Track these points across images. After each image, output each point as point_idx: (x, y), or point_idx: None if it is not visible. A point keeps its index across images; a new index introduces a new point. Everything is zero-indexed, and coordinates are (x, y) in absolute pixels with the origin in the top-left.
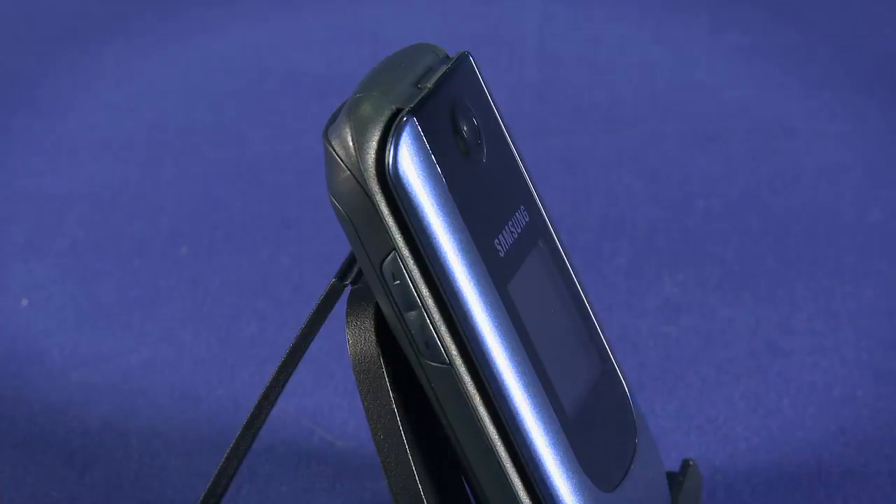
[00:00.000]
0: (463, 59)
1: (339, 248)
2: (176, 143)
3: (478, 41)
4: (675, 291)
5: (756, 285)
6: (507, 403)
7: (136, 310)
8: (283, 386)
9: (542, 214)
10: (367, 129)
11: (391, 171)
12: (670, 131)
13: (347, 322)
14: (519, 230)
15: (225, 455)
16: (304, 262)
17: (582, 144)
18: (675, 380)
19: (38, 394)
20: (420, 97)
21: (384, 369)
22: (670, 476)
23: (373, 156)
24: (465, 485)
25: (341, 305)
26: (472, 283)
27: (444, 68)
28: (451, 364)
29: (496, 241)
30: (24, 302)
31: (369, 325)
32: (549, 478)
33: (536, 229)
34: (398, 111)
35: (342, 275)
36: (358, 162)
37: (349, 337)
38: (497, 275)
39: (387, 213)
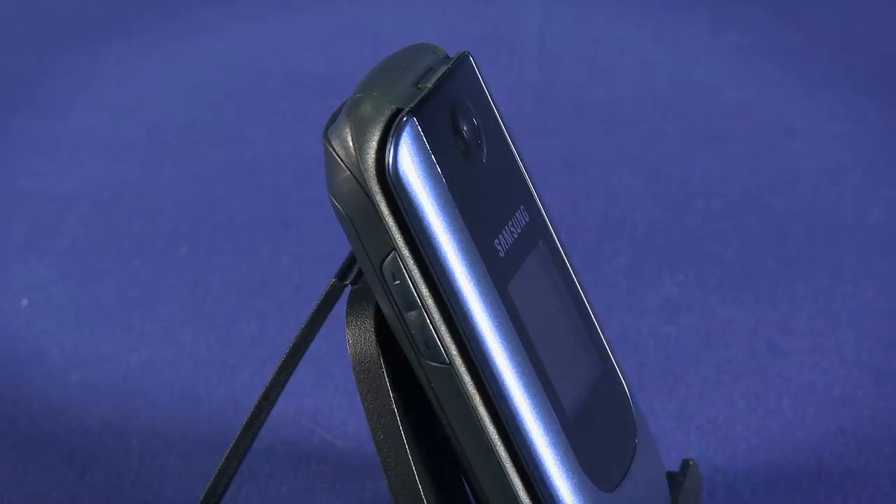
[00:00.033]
0: (463, 59)
1: (339, 248)
2: (176, 143)
3: (478, 41)
4: (675, 291)
5: (756, 285)
6: (507, 403)
7: (136, 310)
8: (283, 386)
9: (542, 214)
10: (367, 129)
11: (391, 171)
12: (670, 131)
13: (347, 322)
14: (519, 230)
15: (225, 455)
16: (304, 262)
17: (582, 144)
18: (675, 380)
19: (38, 394)
20: (420, 97)
21: (384, 369)
22: (670, 476)
23: (373, 156)
24: (465, 485)
25: (341, 305)
26: (472, 283)
27: (444, 68)
28: (451, 364)
29: (496, 241)
30: (24, 302)
31: (369, 325)
32: (549, 478)
33: (536, 229)
34: (398, 111)
35: (342, 275)
36: (358, 162)
37: (349, 337)
38: (497, 275)
39: (387, 213)
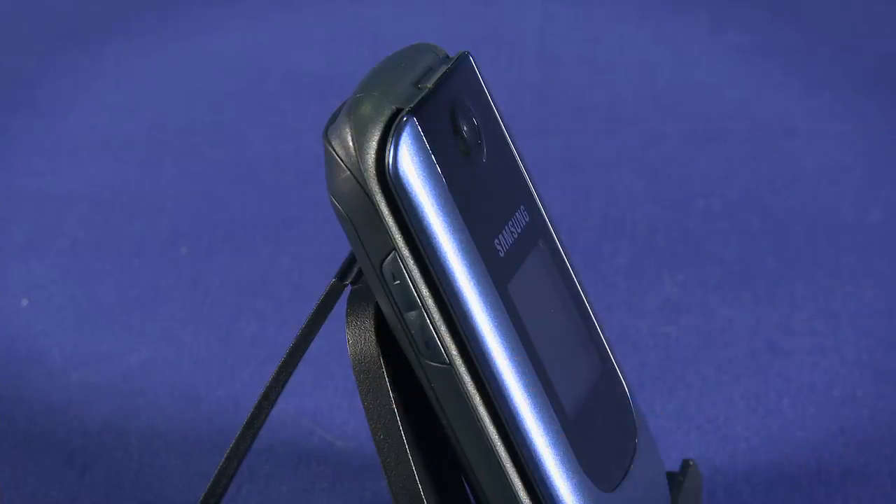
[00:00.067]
0: (463, 59)
1: (339, 248)
2: (176, 143)
3: (478, 41)
4: (675, 291)
5: (756, 285)
6: (507, 403)
7: (136, 310)
8: (283, 386)
9: (542, 214)
10: (367, 129)
11: (391, 171)
12: (670, 131)
13: (347, 322)
14: (519, 230)
15: (225, 455)
16: (304, 262)
17: (582, 144)
18: (675, 380)
19: (38, 394)
20: (420, 97)
21: (384, 369)
22: (670, 476)
23: (373, 156)
24: (465, 485)
25: (341, 305)
26: (472, 283)
27: (444, 68)
28: (451, 364)
29: (496, 241)
30: (24, 302)
31: (369, 325)
32: (549, 478)
33: (536, 229)
34: (398, 111)
35: (342, 275)
36: (358, 162)
37: (349, 337)
38: (497, 275)
39: (387, 213)
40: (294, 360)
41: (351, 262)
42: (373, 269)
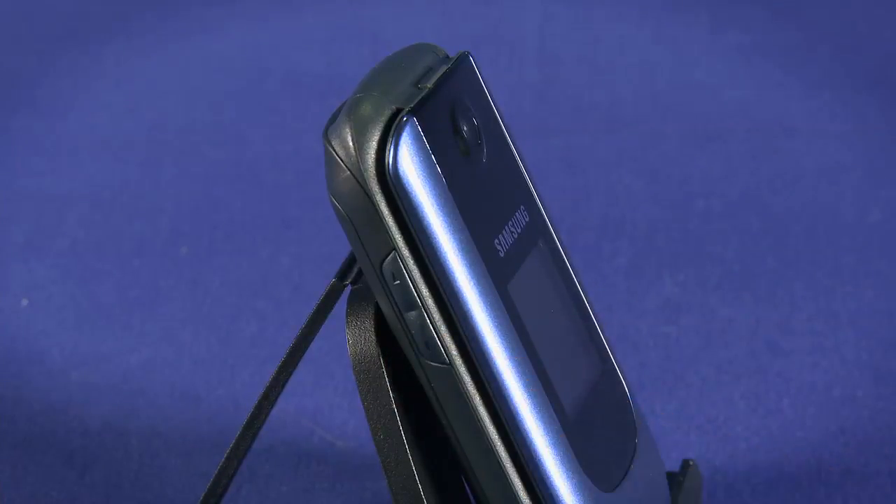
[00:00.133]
0: (463, 59)
1: (339, 248)
2: (176, 143)
3: (478, 41)
4: (675, 291)
5: (756, 285)
6: (507, 403)
7: (136, 310)
8: (283, 386)
9: (542, 214)
10: (367, 129)
11: (391, 171)
12: (670, 131)
13: (347, 322)
14: (519, 230)
15: (225, 455)
16: (304, 262)
17: (582, 144)
18: (675, 380)
19: (38, 394)
20: (420, 97)
21: (384, 369)
22: (670, 476)
23: (373, 156)
24: (465, 485)
25: (341, 305)
26: (472, 283)
27: (444, 68)
28: (451, 364)
29: (496, 241)
30: (24, 302)
31: (369, 325)
32: (549, 478)
33: (536, 229)
34: (398, 111)
35: (342, 275)
36: (358, 162)
37: (349, 337)
38: (497, 275)
39: (387, 213)
40: (294, 360)
41: (351, 262)
42: (373, 269)
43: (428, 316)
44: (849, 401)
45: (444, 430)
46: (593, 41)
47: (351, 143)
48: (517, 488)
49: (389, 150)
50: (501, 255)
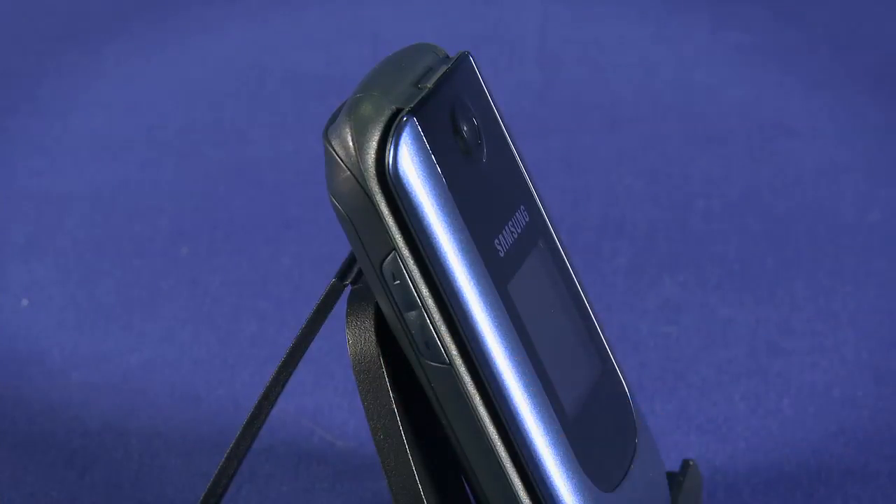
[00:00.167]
0: (463, 59)
1: (339, 248)
2: (176, 143)
3: (478, 41)
4: (675, 291)
5: (756, 285)
6: (507, 403)
7: (136, 310)
8: (283, 386)
9: (542, 214)
10: (367, 129)
11: (391, 171)
12: (670, 131)
13: (347, 322)
14: (519, 230)
15: (225, 455)
16: (304, 262)
17: (582, 144)
18: (675, 380)
19: (38, 394)
20: (420, 97)
21: (384, 369)
22: (670, 476)
23: (373, 156)
24: (465, 485)
25: (341, 305)
26: (472, 283)
27: (444, 68)
28: (451, 364)
29: (496, 241)
30: (24, 302)
31: (369, 325)
32: (549, 478)
33: (536, 229)
34: (398, 111)
35: (342, 275)
36: (358, 162)
37: (349, 337)
38: (497, 275)
39: (387, 213)
40: (294, 360)
41: (351, 262)
42: (373, 269)
43: (428, 316)
44: (849, 401)
45: (444, 431)
46: (593, 41)
47: (351, 143)
48: (517, 488)
49: (389, 150)
50: (501, 255)
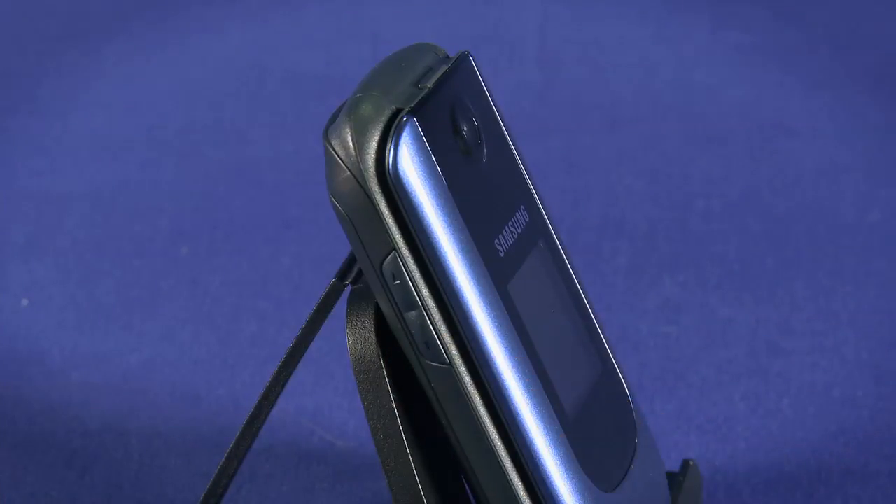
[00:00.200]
0: (463, 59)
1: (339, 248)
2: (176, 143)
3: (478, 41)
4: (675, 291)
5: (756, 285)
6: (508, 404)
7: (136, 310)
8: (283, 386)
9: (542, 214)
10: (367, 129)
11: (391, 171)
12: (670, 131)
13: (347, 322)
14: (519, 230)
15: (225, 455)
16: (304, 262)
17: (582, 144)
18: (675, 380)
19: (38, 394)
20: (420, 97)
21: (384, 369)
22: (670, 476)
23: (373, 156)
24: (466, 485)
25: (341, 305)
26: (472, 283)
27: (444, 68)
28: (451, 364)
29: (496, 241)
30: (24, 302)
31: (369, 325)
32: (549, 478)
33: (536, 229)
34: (398, 111)
35: (342, 275)
36: (358, 162)
37: (349, 337)
38: (497, 275)
39: (387, 213)
40: (294, 360)
41: (351, 262)
42: (373, 269)
43: (428, 316)
44: (849, 401)
45: (444, 431)
46: (593, 41)
47: (351, 143)
48: (517, 488)
49: (389, 150)
50: (501, 255)
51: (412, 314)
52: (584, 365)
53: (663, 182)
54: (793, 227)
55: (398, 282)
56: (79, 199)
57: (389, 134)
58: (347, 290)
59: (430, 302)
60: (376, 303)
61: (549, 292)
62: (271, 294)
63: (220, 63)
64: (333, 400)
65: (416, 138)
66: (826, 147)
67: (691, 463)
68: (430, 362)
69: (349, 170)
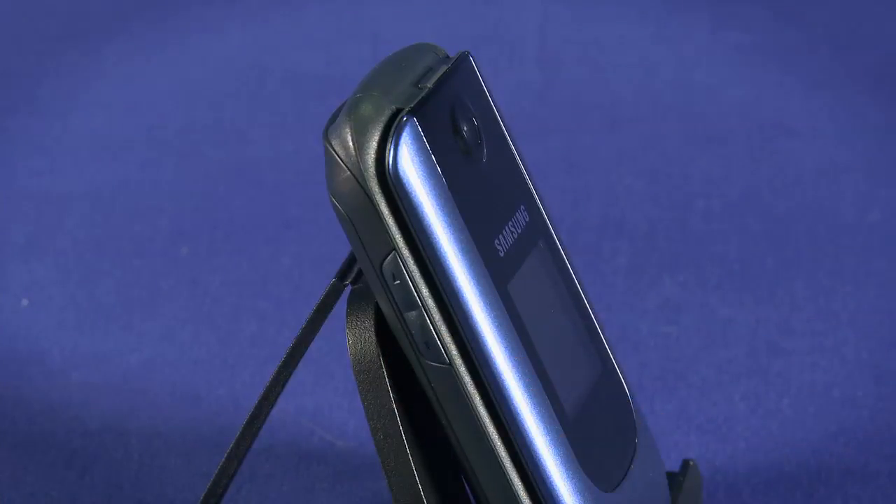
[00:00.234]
0: (463, 59)
1: (339, 248)
2: (176, 143)
3: (478, 41)
4: (675, 291)
5: (756, 285)
6: (508, 404)
7: (136, 310)
8: (283, 386)
9: (542, 214)
10: (367, 129)
11: (391, 171)
12: (670, 131)
13: (347, 322)
14: (519, 230)
15: (225, 455)
16: (304, 262)
17: (582, 144)
18: (675, 380)
19: (38, 394)
20: (420, 97)
21: (384, 369)
22: (670, 476)
23: (373, 156)
24: (466, 485)
25: (341, 305)
26: (472, 283)
27: (444, 68)
28: (451, 364)
29: (496, 241)
30: (24, 302)
31: (369, 325)
32: (549, 478)
33: (536, 229)
34: (398, 111)
35: (342, 275)
36: (358, 162)
37: (349, 337)
38: (497, 275)
39: (387, 213)
40: (294, 360)
41: (351, 262)
42: (373, 269)
43: (428, 316)
44: (849, 401)
45: (444, 431)
46: (593, 41)
47: (351, 143)
48: (517, 488)
49: (389, 150)
50: (501, 255)
51: (412, 314)
52: (584, 365)
53: (663, 182)
54: (793, 227)
55: (398, 282)
56: (79, 199)
57: (389, 134)
58: (347, 290)
59: (430, 302)
60: (376, 303)
61: (549, 292)
62: (271, 294)
63: (220, 63)
64: (333, 400)
65: (416, 138)
66: (826, 147)
67: (691, 463)
68: (430, 362)
69: (349, 170)
